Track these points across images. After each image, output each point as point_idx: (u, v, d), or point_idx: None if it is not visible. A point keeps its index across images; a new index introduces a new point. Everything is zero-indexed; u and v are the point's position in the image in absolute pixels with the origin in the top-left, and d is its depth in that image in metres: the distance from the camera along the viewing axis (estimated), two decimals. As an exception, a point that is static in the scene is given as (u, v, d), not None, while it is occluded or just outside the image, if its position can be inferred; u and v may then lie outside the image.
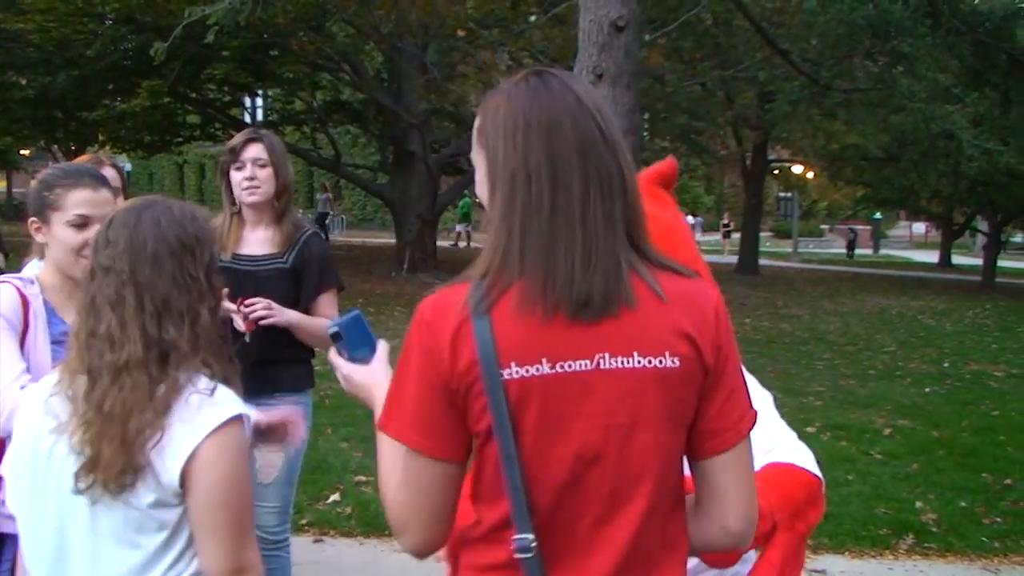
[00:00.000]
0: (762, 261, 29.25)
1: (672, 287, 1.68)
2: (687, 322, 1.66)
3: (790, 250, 38.42)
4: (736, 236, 40.17)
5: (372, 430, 1.79)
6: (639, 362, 1.62)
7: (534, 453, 1.61)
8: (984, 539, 6.00)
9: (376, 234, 34.05)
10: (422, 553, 1.70)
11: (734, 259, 30.25)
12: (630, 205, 1.66)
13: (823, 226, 54.83)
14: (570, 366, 1.60)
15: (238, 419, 1.97)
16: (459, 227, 33.89)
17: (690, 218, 44.21)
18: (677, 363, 1.64)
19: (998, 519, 6.34)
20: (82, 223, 2.63)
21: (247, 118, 27.13)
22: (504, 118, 1.68)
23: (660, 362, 1.63)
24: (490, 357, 1.57)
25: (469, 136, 1.67)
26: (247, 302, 3.53)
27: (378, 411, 1.76)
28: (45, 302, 2.70)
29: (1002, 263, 31.29)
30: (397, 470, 1.67)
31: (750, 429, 1.72)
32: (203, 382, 1.98)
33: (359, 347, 1.96)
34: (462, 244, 33.47)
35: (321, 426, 7.45)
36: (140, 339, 1.95)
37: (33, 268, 2.94)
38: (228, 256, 3.66)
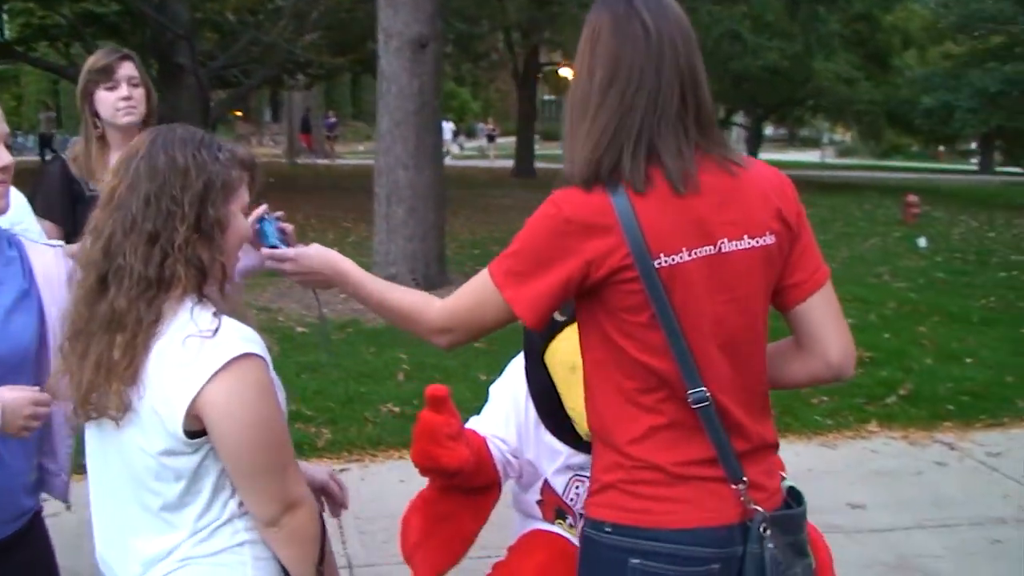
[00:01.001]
0: (537, 164, 29.53)
1: (754, 171, 1.92)
2: (775, 200, 1.91)
3: (560, 152, 38.98)
4: (501, 141, 40.61)
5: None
6: (748, 243, 1.87)
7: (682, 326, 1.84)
8: (817, 418, 6.42)
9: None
10: (450, 348, 2.00)
11: (505, 163, 30.29)
12: (700, 99, 1.87)
13: (587, 127, 56.00)
14: (701, 252, 1.83)
15: (247, 357, 1.79)
16: None
17: (446, 124, 44.29)
18: (773, 239, 1.90)
19: (824, 398, 6.77)
20: None
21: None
22: (587, 34, 1.91)
23: (764, 240, 1.88)
24: (642, 250, 1.79)
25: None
26: None
27: (349, 280, 2.08)
28: None
29: (761, 155, 33.01)
30: (476, 301, 1.92)
31: (826, 277, 1.98)
32: (206, 322, 1.79)
33: (274, 239, 2.18)
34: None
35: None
36: (95, 264, 1.83)
37: None
38: (99, 185, 3.35)
